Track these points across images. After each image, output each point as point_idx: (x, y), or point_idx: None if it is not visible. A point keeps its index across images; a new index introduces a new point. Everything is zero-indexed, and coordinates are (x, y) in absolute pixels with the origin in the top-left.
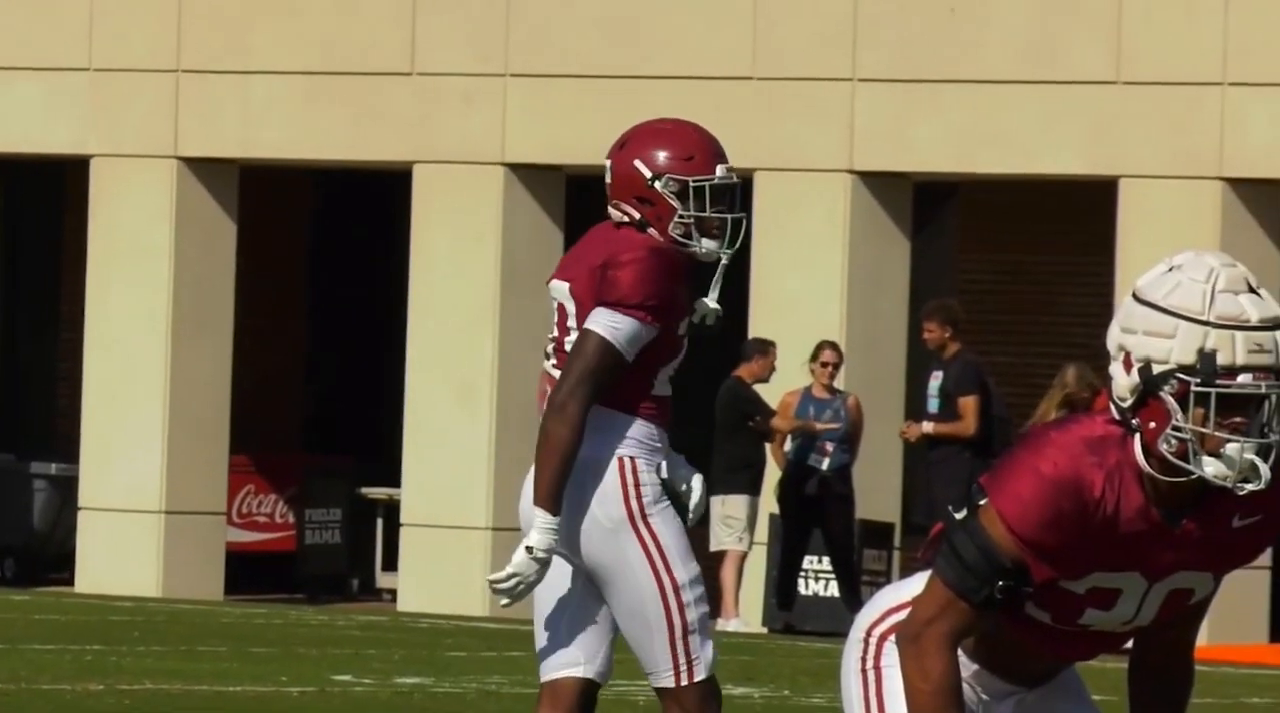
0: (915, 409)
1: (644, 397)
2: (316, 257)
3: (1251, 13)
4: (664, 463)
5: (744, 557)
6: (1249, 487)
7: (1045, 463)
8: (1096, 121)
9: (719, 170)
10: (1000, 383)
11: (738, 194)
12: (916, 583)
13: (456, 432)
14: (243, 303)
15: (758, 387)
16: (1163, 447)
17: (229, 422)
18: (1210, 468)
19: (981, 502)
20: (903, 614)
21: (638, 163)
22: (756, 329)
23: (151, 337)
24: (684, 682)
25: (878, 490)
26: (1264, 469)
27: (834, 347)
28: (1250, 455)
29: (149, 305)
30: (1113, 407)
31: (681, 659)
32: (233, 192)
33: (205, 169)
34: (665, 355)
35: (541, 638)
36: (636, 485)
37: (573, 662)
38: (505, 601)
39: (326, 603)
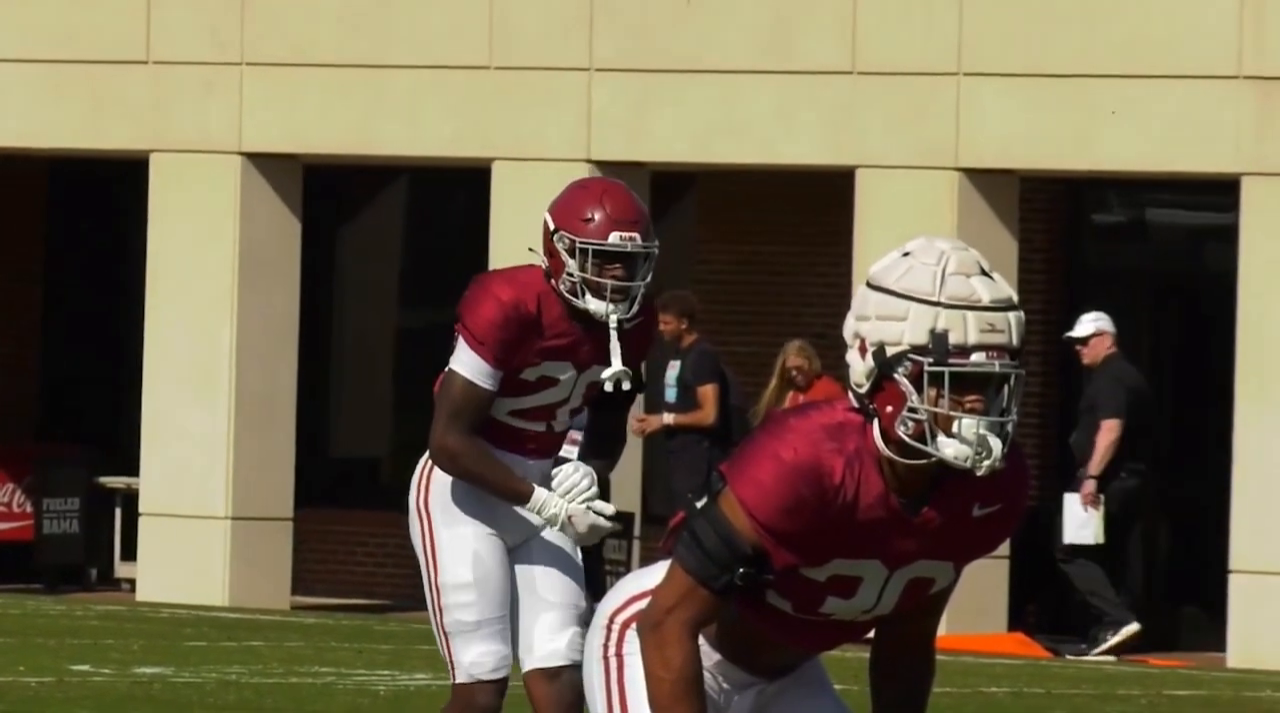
0: (652, 401)
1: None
2: (52, 246)
3: (986, 3)
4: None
5: None
6: (985, 464)
7: (785, 449)
8: (833, 112)
9: (613, 237)
10: (739, 373)
11: (640, 262)
12: (658, 572)
13: (194, 421)
14: None
15: None
16: (900, 430)
17: None
18: (948, 449)
19: (721, 489)
20: (645, 602)
21: (547, 215)
22: None
23: None
24: (452, 679)
25: (617, 481)
26: (996, 447)
27: None
28: (983, 431)
29: None
30: (850, 395)
31: (445, 657)
32: None
33: None
34: (504, 391)
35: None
36: (427, 482)
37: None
38: (606, 526)
39: (64, 593)
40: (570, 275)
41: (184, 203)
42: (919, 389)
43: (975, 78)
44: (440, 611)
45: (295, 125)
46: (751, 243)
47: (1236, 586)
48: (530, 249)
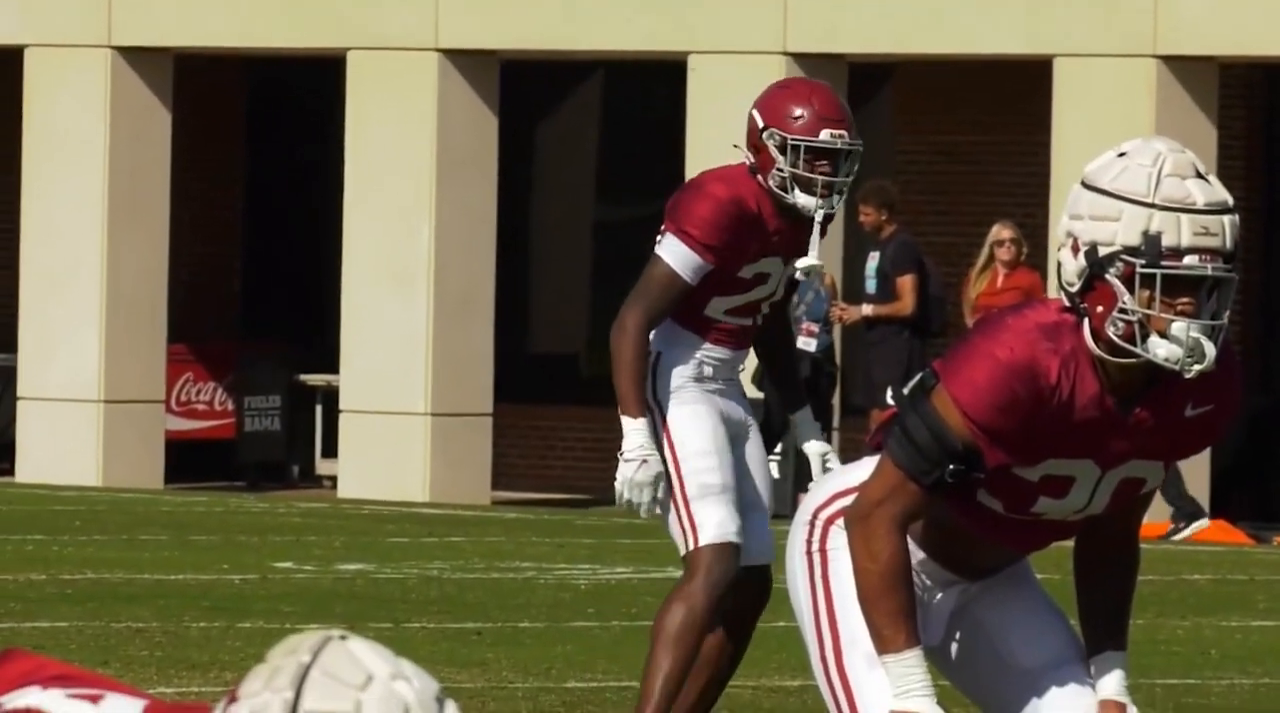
0: (852, 291)
1: (694, 317)
2: (252, 147)
3: None
4: (705, 368)
5: None
6: (1196, 368)
7: (1000, 349)
8: (1031, 1)
9: (824, 134)
10: (938, 263)
11: (844, 159)
12: (863, 468)
13: (394, 318)
14: (178, 191)
15: None
16: (1110, 330)
17: (166, 310)
18: (1160, 350)
19: (935, 386)
20: (849, 499)
21: (755, 112)
22: None
23: (88, 226)
24: (690, 546)
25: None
26: (1209, 349)
27: None
28: (1196, 335)
29: (84, 195)
30: (1062, 293)
31: (685, 528)
32: (167, 80)
33: (139, 58)
34: (720, 290)
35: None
36: (654, 376)
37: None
38: (643, 512)
39: (266, 491)
40: (780, 171)
41: (381, 101)
42: (1131, 290)
43: None
44: (681, 480)
45: (492, 21)
46: (949, 133)
47: None
48: (735, 146)
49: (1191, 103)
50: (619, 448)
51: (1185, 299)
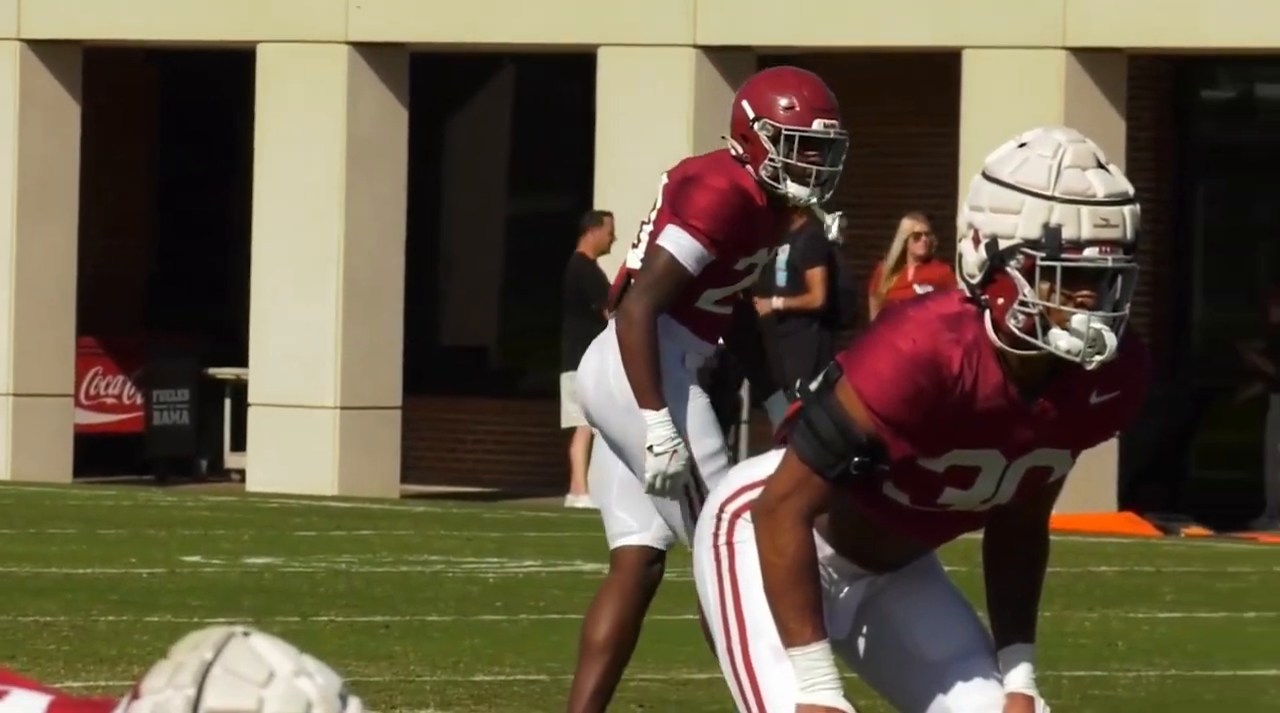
0: (762, 284)
1: (687, 310)
2: (162, 139)
3: None
4: (689, 358)
5: (593, 433)
6: (1097, 360)
7: (903, 340)
8: None
9: (816, 124)
10: (847, 256)
11: (832, 149)
12: (770, 461)
13: (303, 311)
14: (87, 184)
15: (603, 260)
16: (1011, 322)
17: (75, 303)
18: (1061, 342)
19: (839, 379)
20: (756, 493)
21: (744, 103)
22: (600, 203)
23: None
24: None
25: None
26: (1110, 340)
27: None
28: (1097, 326)
29: None
30: (962, 285)
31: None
32: (76, 73)
33: (48, 50)
34: (715, 281)
35: (604, 513)
36: None
37: (627, 530)
38: (673, 498)
39: (175, 484)
40: (772, 161)
41: (291, 94)
42: (1031, 283)
43: None
44: (698, 481)
45: (402, 14)
46: (858, 126)
47: None
48: (723, 137)
49: (1100, 94)
50: (527, 441)
51: (1086, 291)
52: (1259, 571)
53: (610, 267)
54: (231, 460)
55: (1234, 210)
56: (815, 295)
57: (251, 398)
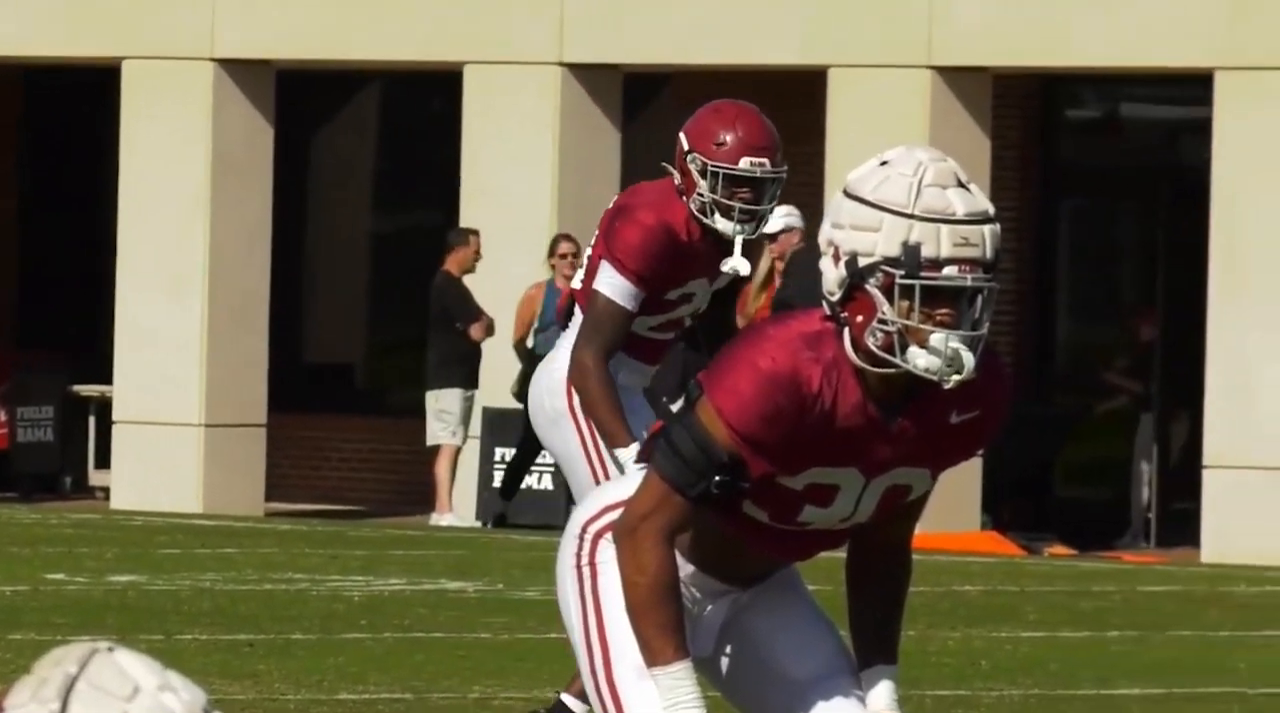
0: None
1: None
2: (28, 154)
3: None
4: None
5: (458, 451)
6: (955, 379)
7: (763, 359)
8: (807, 12)
9: (744, 162)
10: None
11: (766, 186)
12: (630, 482)
13: (168, 328)
14: None
15: (469, 278)
16: (869, 340)
17: None
18: (919, 361)
19: (699, 397)
20: (618, 512)
21: (682, 134)
22: (466, 221)
23: None
24: None
25: None
26: (968, 359)
27: (569, 238)
28: (955, 345)
29: None
30: (824, 303)
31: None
32: None
33: None
34: (647, 310)
35: None
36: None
37: None
38: None
39: (39, 501)
40: (700, 195)
41: (157, 110)
42: (890, 301)
43: None
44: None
45: (267, 31)
46: None
47: (1210, 481)
48: (663, 165)
49: (965, 113)
50: (393, 459)
51: (945, 310)
52: (1122, 590)
53: (475, 284)
54: (96, 478)
55: (1099, 229)
56: None
57: (116, 415)
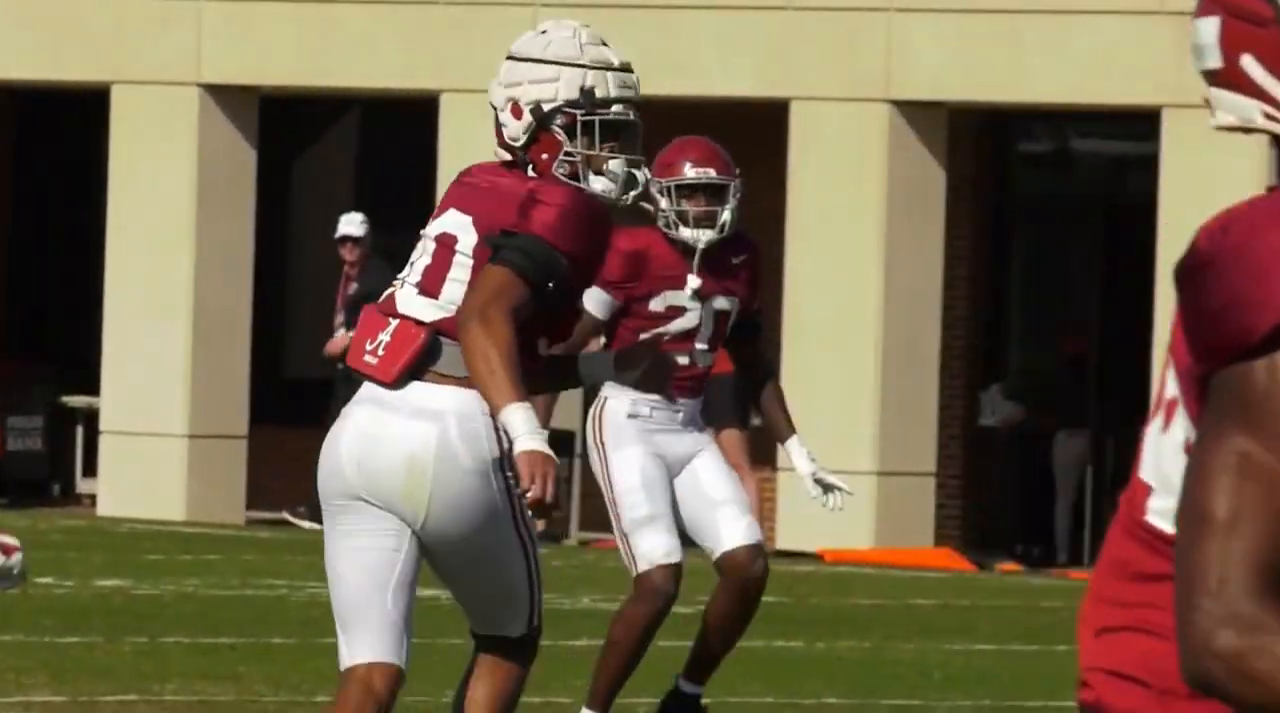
0: None
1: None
2: (20, 171)
3: None
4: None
5: None
6: (630, 195)
7: (583, 207)
8: (768, 46)
9: (690, 172)
10: None
11: (718, 192)
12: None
13: (153, 343)
14: None
15: None
16: (557, 172)
17: None
18: (597, 184)
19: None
20: None
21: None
22: None
23: None
24: (634, 571)
25: (560, 397)
26: (638, 177)
27: None
28: (627, 168)
29: None
30: (501, 151)
31: (628, 559)
32: None
33: None
34: (635, 320)
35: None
36: (600, 420)
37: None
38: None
39: (28, 507)
40: (664, 212)
41: (144, 134)
42: (572, 137)
43: (905, 13)
44: (619, 517)
45: (252, 58)
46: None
47: None
48: (642, 204)
49: (921, 146)
50: None
51: (615, 141)
52: (1069, 605)
53: None
54: (83, 486)
55: (1049, 260)
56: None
57: (103, 426)
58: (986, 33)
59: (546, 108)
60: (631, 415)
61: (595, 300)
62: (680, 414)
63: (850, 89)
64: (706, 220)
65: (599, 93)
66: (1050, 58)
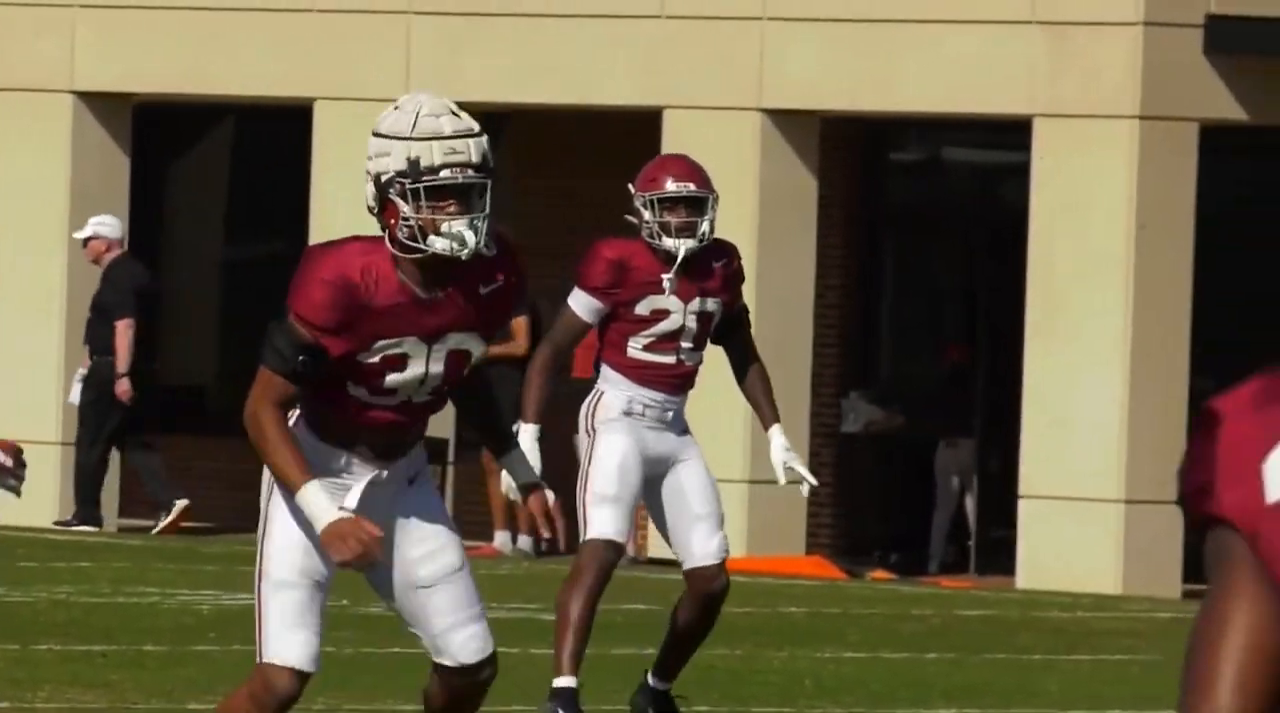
0: None
1: (621, 357)
2: None
3: None
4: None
5: None
6: (465, 251)
7: (323, 271)
8: (642, 54)
9: (670, 185)
10: (555, 303)
11: (697, 204)
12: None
13: (26, 350)
14: None
15: None
16: (401, 235)
17: None
18: (436, 244)
19: (287, 311)
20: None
21: (631, 187)
22: None
23: None
24: (582, 538)
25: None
26: (470, 238)
27: None
28: (458, 228)
29: None
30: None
31: (581, 521)
32: None
33: None
34: (626, 324)
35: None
36: (595, 407)
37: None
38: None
39: None
40: (648, 224)
41: (16, 141)
42: (408, 203)
43: (778, 22)
44: (586, 487)
45: (126, 65)
46: (564, 179)
47: (1026, 511)
48: (627, 217)
49: (794, 154)
50: (243, 478)
51: (448, 203)
52: (941, 613)
53: None
54: None
55: (920, 267)
56: (520, 343)
57: None
58: (859, 42)
59: (384, 179)
60: (626, 412)
61: (583, 306)
62: (670, 412)
63: (723, 97)
64: (687, 231)
65: (424, 162)
66: (922, 67)
